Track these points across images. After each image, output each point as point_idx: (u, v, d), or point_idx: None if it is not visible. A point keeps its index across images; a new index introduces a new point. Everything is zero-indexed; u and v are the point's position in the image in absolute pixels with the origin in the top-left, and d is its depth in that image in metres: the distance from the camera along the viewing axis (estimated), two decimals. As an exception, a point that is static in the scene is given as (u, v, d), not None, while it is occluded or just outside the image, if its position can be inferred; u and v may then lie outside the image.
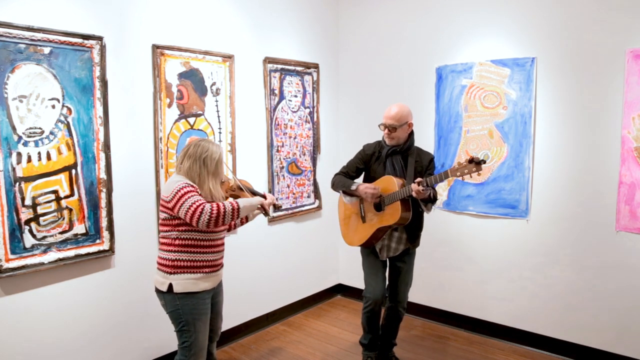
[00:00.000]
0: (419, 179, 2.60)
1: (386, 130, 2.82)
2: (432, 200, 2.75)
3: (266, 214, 2.55)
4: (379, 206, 2.85)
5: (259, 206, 2.49)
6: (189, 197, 2.21)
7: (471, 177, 2.54)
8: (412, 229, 2.89)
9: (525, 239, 3.41)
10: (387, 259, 3.00)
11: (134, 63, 2.87)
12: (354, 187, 2.89)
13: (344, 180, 2.99)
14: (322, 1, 4.22)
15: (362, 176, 3.08)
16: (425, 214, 2.92)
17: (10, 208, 2.38)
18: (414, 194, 2.60)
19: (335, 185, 3.04)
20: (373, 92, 4.18)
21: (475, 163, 2.44)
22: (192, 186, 2.27)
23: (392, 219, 2.76)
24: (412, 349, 3.45)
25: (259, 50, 3.66)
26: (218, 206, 2.22)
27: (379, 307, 2.97)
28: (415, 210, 2.81)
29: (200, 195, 2.29)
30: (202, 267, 2.34)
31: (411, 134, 2.89)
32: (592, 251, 3.13)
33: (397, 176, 2.83)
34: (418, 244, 3.00)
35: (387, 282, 3.02)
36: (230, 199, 2.36)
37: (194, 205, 2.18)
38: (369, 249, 3.00)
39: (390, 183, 2.79)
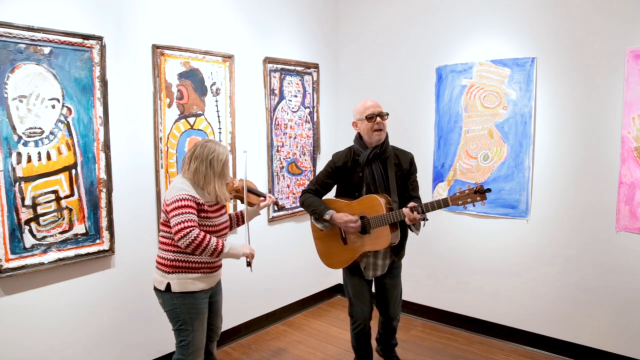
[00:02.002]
0: (412, 204, 2.41)
1: (377, 119, 2.55)
2: (423, 219, 2.52)
3: (249, 264, 2.46)
4: (363, 228, 2.61)
5: (243, 256, 2.42)
6: (182, 213, 2.21)
7: (474, 205, 2.37)
8: (398, 245, 2.69)
9: (525, 239, 3.41)
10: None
11: (134, 63, 2.87)
12: (327, 217, 2.63)
13: (314, 203, 2.70)
14: (322, 1, 4.22)
15: (334, 189, 2.85)
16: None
17: (10, 208, 2.38)
18: (407, 221, 2.42)
19: (305, 207, 2.76)
20: (373, 92, 4.16)
21: (480, 193, 2.32)
22: (194, 199, 2.26)
23: (381, 243, 2.55)
24: (412, 349, 3.45)
25: (259, 50, 3.66)
26: (204, 238, 2.21)
27: (368, 327, 2.81)
28: (400, 225, 2.61)
29: (199, 207, 2.28)
30: (200, 268, 2.35)
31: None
32: (592, 251, 3.13)
33: (378, 191, 2.61)
34: (403, 255, 2.81)
35: (373, 300, 2.84)
36: (221, 240, 2.32)
37: (183, 224, 2.19)
38: (352, 267, 2.76)
39: (374, 203, 2.54)
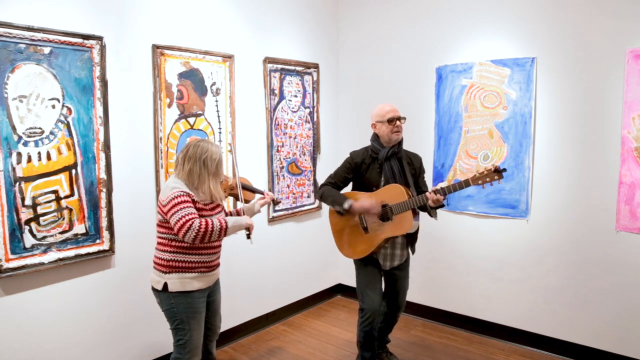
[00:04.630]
0: (434, 188, 2.58)
1: (397, 123, 2.76)
2: (440, 206, 2.70)
3: (249, 236, 2.48)
4: (385, 216, 2.72)
5: (245, 227, 2.44)
6: (181, 209, 2.21)
7: (492, 184, 2.52)
8: (413, 235, 2.86)
9: (525, 239, 3.41)
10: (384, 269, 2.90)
11: (134, 63, 2.87)
12: (346, 206, 2.71)
13: (334, 194, 2.81)
14: (322, 1, 4.22)
15: (350, 185, 2.96)
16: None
17: (10, 208, 2.38)
18: (431, 203, 2.55)
19: (324, 199, 2.87)
20: (373, 92, 4.18)
21: (498, 172, 2.47)
22: (188, 195, 2.27)
23: (404, 228, 2.66)
24: (412, 349, 3.45)
25: (259, 50, 3.66)
26: (207, 224, 2.22)
27: (377, 320, 2.86)
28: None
29: (194, 204, 2.28)
30: (197, 267, 2.36)
31: None
32: (592, 251, 3.13)
33: (397, 181, 2.75)
34: (414, 250, 2.95)
35: (382, 293, 2.92)
36: (220, 217, 2.35)
37: (184, 219, 2.19)
38: (365, 258, 2.85)
39: (398, 191, 2.67)
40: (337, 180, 2.90)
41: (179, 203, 2.22)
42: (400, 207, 2.65)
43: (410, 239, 2.87)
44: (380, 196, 2.74)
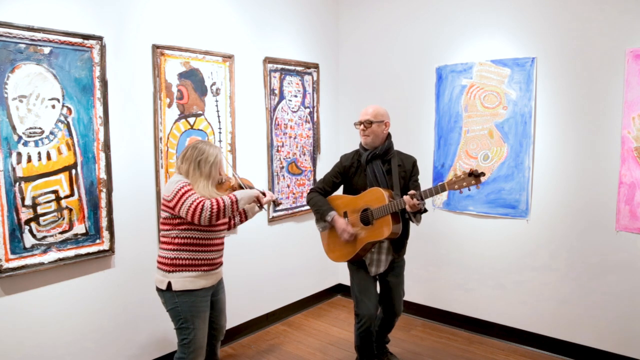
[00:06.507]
0: (412, 192, 2.48)
1: (362, 127, 2.74)
2: (422, 211, 2.64)
3: (261, 207, 2.60)
4: (366, 220, 2.70)
5: (255, 199, 2.52)
6: (189, 196, 2.25)
7: (469, 190, 2.43)
8: (398, 240, 2.77)
9: (525, 239, 3.41)
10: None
11: (134, 63, 2.87)
12: (329, 219, 2.77)
13: (319, 203, 2.84)
14: (322, 1, 4.22)
15: (340, 189, 2.97)
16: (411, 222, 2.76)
17: (10, 208, 2.38)
18: (407, 208, 2.49)
19: (310, 205, 2.91)
20: (373, 92, 4.18)
21: (475, 176, 2.35)
22: (191, 185, 2.33)
23: (383, 233, 2.62)
24: (412, 349, 3.45)
25: (259, 50, 3.66)
26: (217, 201, 2.28)
27: (373, 325, 2.80)
28: (402, 219, 2.70)
29: None
30: (201, 266, 2.37)
31: (389, 136, 2.81)
32: (592, 251, 3.13)
33: (380, 185, 2.71)
34: (404, 253, 2.89)
35: (378, 297, 2.87)
36: (229, 195, 2.38)
37: (195, 203, 2.23)
38: (357, 263, 2.84)
39: (378, 195, 2.64)
40: (325, 186, 2.92)
41: (185, 192, 2.26)
42: (380, 211, 2.62)
43: (395, 245, 2.79)
44: (362, 200, 2.73)
